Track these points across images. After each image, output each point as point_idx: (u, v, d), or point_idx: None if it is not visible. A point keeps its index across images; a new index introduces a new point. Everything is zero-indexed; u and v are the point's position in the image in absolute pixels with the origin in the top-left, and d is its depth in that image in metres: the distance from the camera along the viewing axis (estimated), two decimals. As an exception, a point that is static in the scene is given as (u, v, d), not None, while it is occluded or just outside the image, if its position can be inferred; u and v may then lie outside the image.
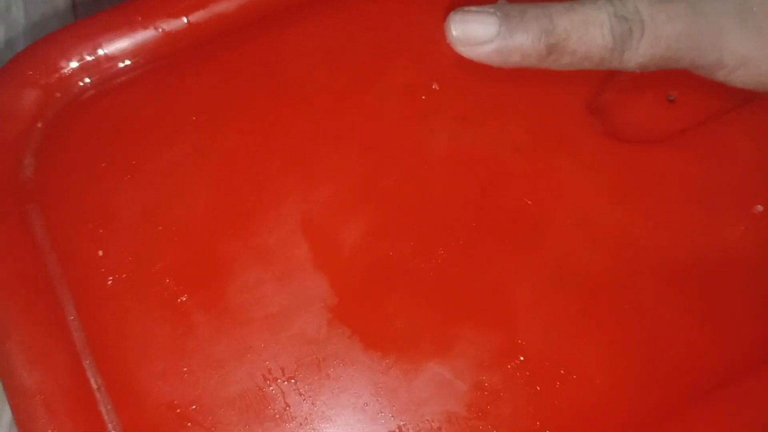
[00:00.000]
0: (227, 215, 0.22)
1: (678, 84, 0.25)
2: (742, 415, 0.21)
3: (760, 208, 0.23)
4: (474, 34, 0.23)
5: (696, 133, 0.24)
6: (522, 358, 0.21)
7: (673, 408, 0.21)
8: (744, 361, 0.22)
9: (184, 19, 0.24)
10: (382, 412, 0.21)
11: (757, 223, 0.23)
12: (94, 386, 0.21)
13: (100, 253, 0.22)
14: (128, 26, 0.24)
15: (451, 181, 0.23)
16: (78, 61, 0.24)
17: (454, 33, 0.23)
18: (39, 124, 0.24)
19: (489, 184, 0.23)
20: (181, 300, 0.22)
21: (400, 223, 0.22)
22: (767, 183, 0.24)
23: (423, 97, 0.24)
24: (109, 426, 0.21)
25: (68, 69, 0.24)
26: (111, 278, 0.22)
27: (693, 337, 0.22)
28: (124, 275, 0.22)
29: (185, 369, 0.21)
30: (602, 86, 0.24)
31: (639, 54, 0.22)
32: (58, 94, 0.24)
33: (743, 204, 0.23)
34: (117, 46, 0.24)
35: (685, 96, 0.25)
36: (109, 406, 0.21)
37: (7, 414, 0.26)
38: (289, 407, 0.21)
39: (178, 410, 0.21)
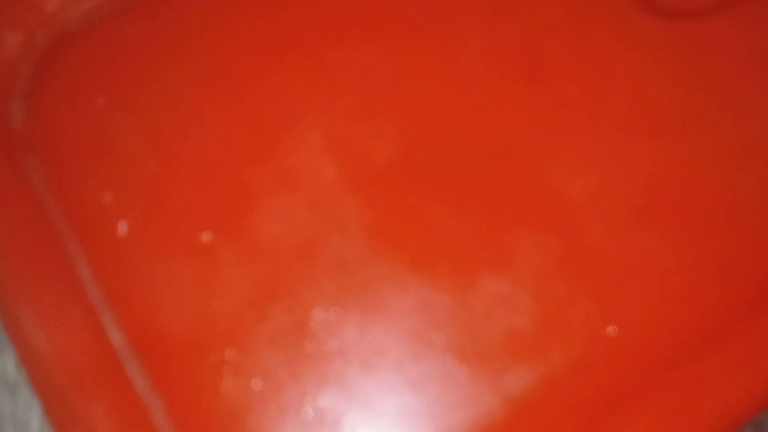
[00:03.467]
0: (244, 140, 0.20)
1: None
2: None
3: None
4: None
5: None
6: (587, 259, 0.19)
7: (761, 295, 0.19)
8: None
9: (170, -62, 0.22)
10: (437, 335, 0.19)
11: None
12: (116, 343, 0.19)
13: (108, 198, 0.20)
14: (109, -48, 0.22)
15: (487, 76, 0.21)
16: (59, -4, 0.22)
17: None
18: (24, 69, 0.22)
19: (529, 74, 0.21)
20: (204, 237, 0.20)
21: (434, 128, 0.20)
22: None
23: (444, -9, 0.22)
24: (138, 384, 0.19)
25: (49, 6, 0.22)
26: (122, 225, 0.20)
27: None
28: (137, 219, 0.20)
29: (216, 311, 0.19)
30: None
31: None
32: (40, 33, 0.22)
33: (810, 71, 0.21)
34: (100, -25, 0.22)
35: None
36: (134, 363, 0.19)
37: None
38: (335, 339, 0.19)
39: (213, 356, 0.19)
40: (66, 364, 0.19)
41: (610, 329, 0.19)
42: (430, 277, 0.19)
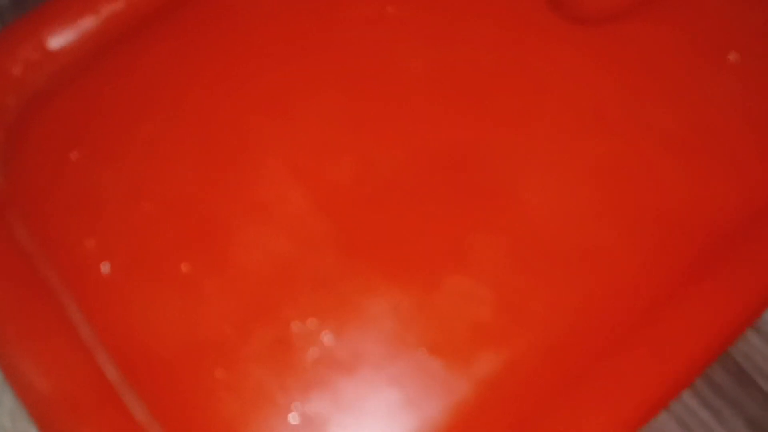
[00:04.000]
0: (215, 177, 0.22)
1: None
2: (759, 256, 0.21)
3: (734, 56, 0.23)
4: None
5: (656, 1, 0.24)
6: (539, 253, 0.21)
7: (695, 262, 0.21)
8: (752, 205, 0.22)
9: (123, -2, 0.24)
10: (409, 334, 0.20)
11: (735, 72, 0.23)
12: (112, 379, 0.21)
13: (90, 243, 0.21)
14: (68, 16, 0.23)
15: (432, 97, 0.23)
16: (24, 62, 0.23)
17: None
18: (-2, 133, 0.23)
19: (469, 91, 0.23)
20: (186, 270, 0.21)
21: (389, 148, 0.22)
22: (735, 32, 0.24)
23: (385, 22, 0.23)
24: (137, 413, 0.20)
25: (15, 71, 0.23)
26: (107, 266, 0.21)
27: (701, 195, 0.22)
28: (119, 260, 0.21)
29: (202, 336, 0.20)
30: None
31: None
32: (11, 99, 0.23)
33: (718, 57, 0.23)
34: (62, 38, 0.23)
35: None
36: (131, 394, 0.20)
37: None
38: (317, 350, 0.20)
39: (206, 379, 0.20)
40: (68, 404, 0.20)
41: (567, 310, 0.21)
42: (398, 282, 0.21)
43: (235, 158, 0.22)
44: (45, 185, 0.22)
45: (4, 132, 0.23)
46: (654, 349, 0.21)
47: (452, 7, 0.24)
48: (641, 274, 0.21)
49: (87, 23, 0.23)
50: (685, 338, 0.21)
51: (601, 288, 0.21)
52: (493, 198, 0.22)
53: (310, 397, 0.20)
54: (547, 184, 0.22)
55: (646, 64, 0.23)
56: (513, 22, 0.23)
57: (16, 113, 0.23)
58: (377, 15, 0.23)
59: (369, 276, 0.21)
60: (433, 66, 0.23)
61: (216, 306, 0.21)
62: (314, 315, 0.21)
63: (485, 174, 0.22)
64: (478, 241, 0.21)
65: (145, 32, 0.23)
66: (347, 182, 0.22)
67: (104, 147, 0.22)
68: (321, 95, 0.23)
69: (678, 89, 0.23)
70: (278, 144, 0.22)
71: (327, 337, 0.20)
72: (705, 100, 0.23)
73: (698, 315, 0.21)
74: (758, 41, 0.23)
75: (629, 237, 0.21)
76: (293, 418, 0.20)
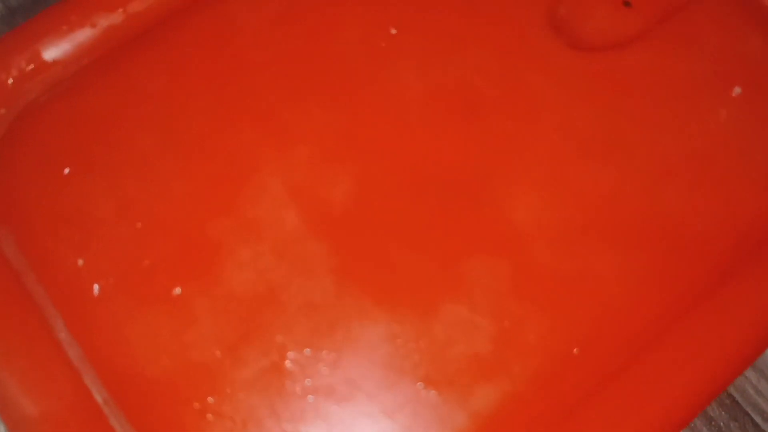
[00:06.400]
0: (208, 196, 0.21)
1: (631, -12, 0.25)
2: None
3: (738, 90, 0.23)
4: None
5: (659, 32, 0.24)
6: (536, 279, 0.21)
7: (694, 290, 0.21)
8: (753, 235, 0.22)
9: (121, 11, 0.23)
10: (405, 364, 0.20)
11: (737, 106, 0.23)
12: (100, 401, 0.20)
13: (80, 262, 0.21)
14: (65, 27, 0.23)
15: (430, 119, 0.22)
16: (18, 72, 0.23)
17: None
18: (-12, 145, 0.22)
19: (467, 114, 0.22)
20: (177, 292, 0.20)
21: (385, 170, 0.22)
22: (739, 66, 0.23)
23: (383, 44, 0.23)
24: (125, 438, 0.20)
25: (9, 81, 0.23)
26: (96, 286, 0.21)
27: (698, 223, 0.22)
28: (110, 280, 0.21)
29: (194, 361, 0.20)
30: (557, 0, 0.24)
31: None
32: (3, 110, 0.22)
33: (721, 90, 0.23)
34: (57, 50, 0.23)
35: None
36: (121, 418, 0.20)
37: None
38: (311, 378, 0.20)
39: (196, 405, 0.20)
40: (55, 425, 0.20)
41: (567, 344, 0.20)
42: (394, 310, 0.20)
43: (230, 177, 0.22)
44: (36, 200, 0.22)
45: (-5, 144, 0.22)
46: (652, 380, 0.20)
47: (454, 29, 0.23)
48: (638, 301, 0.21)
49: (83, 36, 0.23)
50: (685, 368, 0.20)
51: (598, 314, 0.21)
52: (489, 223, 0.22)
53: (302, 426, 0.20)
54: (544, 209, 0.22)
55: (647, 92, 0.23)
56: (515, 45, 0.23)
57: (8, 125, 0.22)
58: (379, 36, 0.23)
59: (364, 302, 0.21)
60: (431, 87, 0.23)
61: (207, 329, 0.20)
62: (308, 340, 0.20)
63: (481, 198, 0.22)
64: (474, 267, 0.21)
65: (142, 48, 0.23)
66: (343, 203, 0.21)
67: (97, 163, 0.22)
68: (317, 115, 0.22)
69: (678, 119, 0.23)
70: (273, 163, 0.22)
71: (320, 365, 0.20)
72: (705, 131, 0.23)
73: (697, 343, 0.21)
74: (763, 78, 0.23)
75: (625, 263, 0.21)
76: (285, 448, 0.19)
